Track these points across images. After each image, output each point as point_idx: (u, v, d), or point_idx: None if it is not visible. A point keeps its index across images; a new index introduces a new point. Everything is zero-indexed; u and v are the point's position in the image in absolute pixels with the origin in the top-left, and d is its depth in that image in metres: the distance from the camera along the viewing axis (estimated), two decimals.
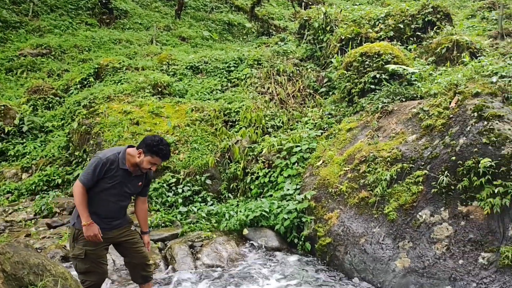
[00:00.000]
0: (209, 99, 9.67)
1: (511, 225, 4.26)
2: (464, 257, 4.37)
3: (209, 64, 11.37)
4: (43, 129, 9.98)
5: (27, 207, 7.18)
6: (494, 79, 5.54)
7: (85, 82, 11.28)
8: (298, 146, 6.64)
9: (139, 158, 3.56)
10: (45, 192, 7.73)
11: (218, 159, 7.54)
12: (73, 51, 13.92)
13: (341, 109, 7.35)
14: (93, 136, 8.05)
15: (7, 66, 13.23)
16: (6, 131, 9.50)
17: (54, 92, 11.11)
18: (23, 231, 6.06)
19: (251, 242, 5.64)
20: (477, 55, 7.86)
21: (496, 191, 4.37)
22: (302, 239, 5.55)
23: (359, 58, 7.30)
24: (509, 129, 4.74)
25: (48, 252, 5.15)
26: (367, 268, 4.86)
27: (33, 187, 7.85)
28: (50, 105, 10.85)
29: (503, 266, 4.09)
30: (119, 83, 10.45)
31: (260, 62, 10.65)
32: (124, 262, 3.98)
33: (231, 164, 7.42)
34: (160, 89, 10.09)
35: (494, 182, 4.44)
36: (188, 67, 11.54)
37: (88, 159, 7.96)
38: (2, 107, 9.72)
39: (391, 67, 6.77)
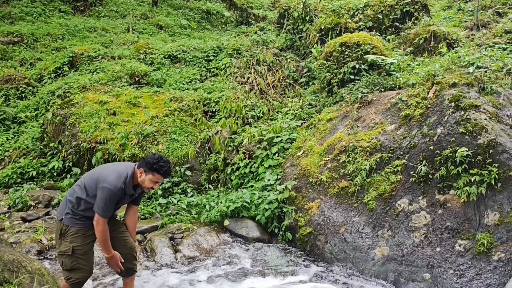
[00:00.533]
0: (188, 89, 9.53)
1: (487, 213, 4.36)
2: (442, 245, 4.46)
3: (188, 53, 11.19)
4: (16, 120, 9.66)
5: (0, 200, 6.96)
6: (471, 69, 5.63)
7: (59, 72, 10.95)
8: (279, 136, 6.63)
9: (141, 178, 3.55)
10: (19, 185, 7.50)
11: (198, 150, 7.47)
12: (46, 39, 13.47)
13: (321, 100, 7.35)
14: (69, 127, 7.84)
15: None
16: None
17: (27, 81, 10.75)
18: None
19: (232, 233, 5.63)
20: (454, 45, 7.98)
21: (472, 179, 4.47)
22: (283, 229, 5.57)
23: (339, 48, 7.30)
24: (485, 119, 4.83)
25: (23, 247, 5.01)
26: (347, 257, 4.92)
27: (6, 180, 7.60)
28: (23, 95, 10.50)
29: (478, 253, 4.20)
30: (94, 73, 10.19)
31: (239, 51, 10.54)
32: None
33: (211, 155, 7.36)
34: (137, 79, 9.88)
35: (471, 171, 4.53)
36: (166, 56, 11.33)
37: (63, 150, 7.76)
38: None
39: (370, 57, 6.80)
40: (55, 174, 7.64)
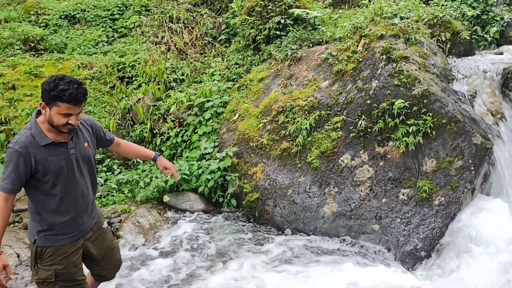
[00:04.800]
0: (95, 53, 8.57)
1: (425, 161, 4.59)
2: (387, 196, 4.64)
3: (88, 12, 9.99)
4: None
5: None
6: (396, 20, 5.72)
7: None
8: (210, 100, 6.26)
9: (46, 116, 2.57)
10: None
11: (119, 121, 6.82)
12: None
13: (247, 58, 7.05)
14: None
15: None
16: None
17: None
18: None
19: (174, 208, 5.30)
20: None
21: (410, 130, 4.64)
22: (228, 198, 5.38)
23: (261, 2, 6.97)
24: (416, 70, 4.98)
25: None
26: (298, 218, 4.92)
27: None
28: None
29: (421, 200, 4.43)
30: None
31: (148, 8, 9.66)
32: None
33: (135, 125, 6.78)
34: (32, 45, 8.65)
35: (407, 122, 4.68)
36: (63, 17, 10.01)
37: None
38: None
39: (295, 11, 6.60)
40: None
